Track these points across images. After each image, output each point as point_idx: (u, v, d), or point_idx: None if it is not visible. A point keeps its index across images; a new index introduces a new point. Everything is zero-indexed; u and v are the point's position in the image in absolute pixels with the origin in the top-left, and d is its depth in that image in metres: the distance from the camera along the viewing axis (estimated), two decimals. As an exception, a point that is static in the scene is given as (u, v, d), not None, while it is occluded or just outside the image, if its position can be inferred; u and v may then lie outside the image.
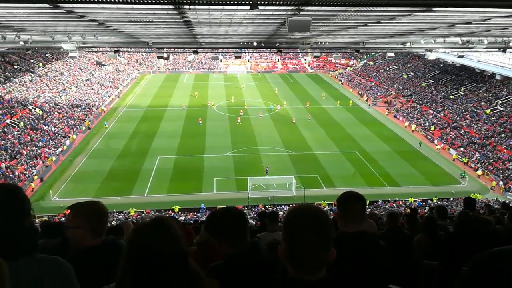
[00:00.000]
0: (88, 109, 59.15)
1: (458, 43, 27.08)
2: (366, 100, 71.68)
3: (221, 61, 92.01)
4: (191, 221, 20.05)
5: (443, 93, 64.01)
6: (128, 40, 29.32)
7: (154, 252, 1.76)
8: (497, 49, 30.55)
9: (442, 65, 71.68)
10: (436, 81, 69.75)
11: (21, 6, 14.96)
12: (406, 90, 71.52)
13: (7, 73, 56.97)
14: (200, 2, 11.86)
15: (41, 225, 6.39)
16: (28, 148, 42.08)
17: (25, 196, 2.34)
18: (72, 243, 2.87)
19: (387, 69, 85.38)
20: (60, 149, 44.70)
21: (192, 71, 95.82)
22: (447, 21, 18.74)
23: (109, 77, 78.98)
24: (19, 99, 51.44)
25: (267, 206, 32.80)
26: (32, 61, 65.61)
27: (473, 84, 62.52)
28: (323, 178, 39.42)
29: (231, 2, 11.58)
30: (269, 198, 35.25)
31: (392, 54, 39.71)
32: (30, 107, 51.00)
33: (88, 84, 70.00)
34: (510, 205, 11.30)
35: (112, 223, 21.86)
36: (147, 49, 38.15)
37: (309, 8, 13.90)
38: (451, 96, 61.60)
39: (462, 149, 47.23)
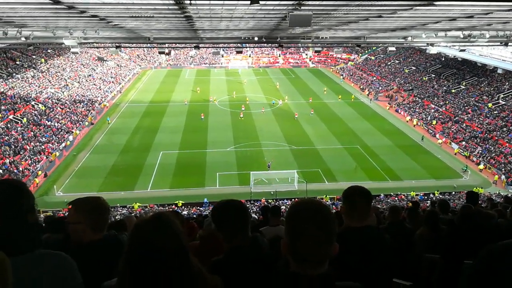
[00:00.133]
0: (90, 105, 59.19)
1: (460, 37, 26.96)
2: (368, 95, 71.45)
3: (223, 56, 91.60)
4: (194, 215, 20.14)
5: (444, 87, 63.75)
6: (129, 36, 29.32)
7: (155, 248, 1.75)
8: (499, 43, 30.46)
9: (443, 59, 71.26)
10: (438, 75, 69.45)
11: (22, 1, 14.96)
12: (407, 85, 71.26)
13: (9, 69, 56.98)
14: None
15: (45, 220, 6.43)
16: (32, 143, 42.20)
17: (29, 192, 2.33)
18: (74, 239, 2.87)
19: (389, 63, 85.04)
20: (63, 144, 44.79)
21: (194, 66, 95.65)
22: (449, 15, 18.67)
23: (111, 72, 78.90)
24: (21, 95, 51.48)
25: (269, 201, 32.86)
26: (34, 57, 65.56)
27: (474, 78, 62.22)
28: (325, 172, 39.45)
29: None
30: (272, 193, 35.39)
31: (394, 49, 39.67)
32: (33, 102, 51.06)
33: (90, 80, 69.94)
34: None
35: (116, 217, 22.01)
36: (149, 45, 38.13)
37: (310, 2, 13.87)
38: (453, 90, 61.36)
39: (464, 143, 47.11)
